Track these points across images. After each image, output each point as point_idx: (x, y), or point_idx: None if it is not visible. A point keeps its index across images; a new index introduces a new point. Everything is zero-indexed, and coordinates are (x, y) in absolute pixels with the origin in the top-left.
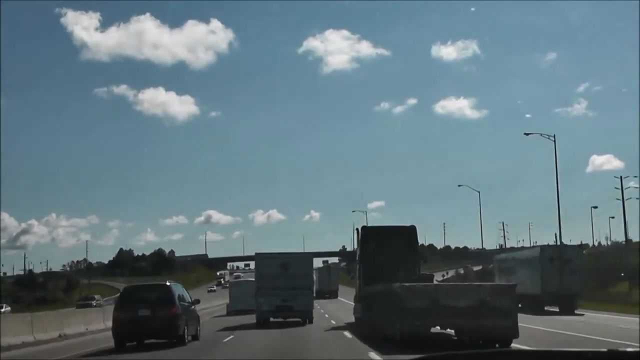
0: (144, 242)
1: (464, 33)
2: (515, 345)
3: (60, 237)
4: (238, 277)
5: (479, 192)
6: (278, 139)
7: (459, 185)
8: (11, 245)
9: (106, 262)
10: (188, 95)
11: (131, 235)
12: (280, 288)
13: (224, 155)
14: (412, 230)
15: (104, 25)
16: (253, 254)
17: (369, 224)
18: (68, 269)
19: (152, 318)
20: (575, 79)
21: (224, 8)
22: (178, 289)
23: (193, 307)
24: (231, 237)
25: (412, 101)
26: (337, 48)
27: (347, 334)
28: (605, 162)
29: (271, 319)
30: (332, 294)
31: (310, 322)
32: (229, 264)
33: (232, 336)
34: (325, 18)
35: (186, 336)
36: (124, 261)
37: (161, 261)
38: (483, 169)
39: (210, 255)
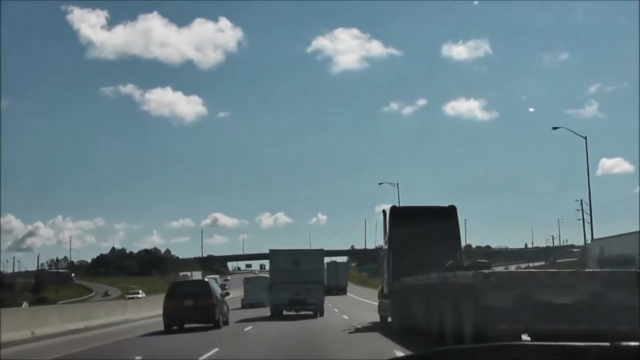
0: (149, 245)
1: (475, 32)
2: None
3: (66, 240)
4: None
5: (585, 137)
6: (286, 140)
7: (554, 128)
8: (17, 247)
9: (89, 261)
10: (196, 95)
11: (137, 237)
12: (292, 282)
13: (232, 157)
14: (452, 210)
15: (111, 24)
16: (253, 253)
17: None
18: (47, 267)
19: (194, 307)
20: (586, 80)
21: (232, 6)
22: (213, 284)
23: (224, 298)
24: (237, 240)
25: (422, 102)
26: (347, 47)
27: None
28: (615, 165)
29: (284, 312)
30: (341, 290)
31: (322, 314)
32: (229, 263)
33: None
34: (335, 16)
35: (220, 322)
36: (110, 260)
37: (153, 260)
38: (492, 170)
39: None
